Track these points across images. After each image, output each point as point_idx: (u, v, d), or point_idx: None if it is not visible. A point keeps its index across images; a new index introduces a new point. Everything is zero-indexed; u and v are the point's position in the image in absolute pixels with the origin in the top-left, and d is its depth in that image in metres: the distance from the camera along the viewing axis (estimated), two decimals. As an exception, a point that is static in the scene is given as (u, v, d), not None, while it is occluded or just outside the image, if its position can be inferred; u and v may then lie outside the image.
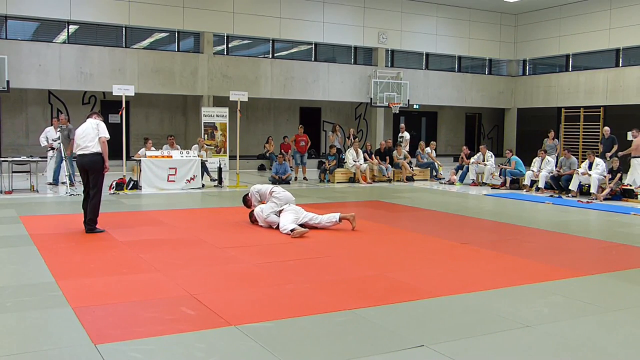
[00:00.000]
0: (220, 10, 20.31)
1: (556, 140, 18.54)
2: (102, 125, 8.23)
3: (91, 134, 8.10)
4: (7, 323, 4.39)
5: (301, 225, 8.37)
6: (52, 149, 14.14)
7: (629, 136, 14.86)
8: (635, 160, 13.92)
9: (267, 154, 20.97)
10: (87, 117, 8.50)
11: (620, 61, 22.48)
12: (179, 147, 15.23)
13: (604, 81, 22.55)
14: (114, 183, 13.20)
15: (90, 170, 8.07)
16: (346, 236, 8.19)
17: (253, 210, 8.97)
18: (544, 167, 14.81)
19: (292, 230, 8.03)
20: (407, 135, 19.82)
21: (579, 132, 22.87)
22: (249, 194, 9.29)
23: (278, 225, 8.43)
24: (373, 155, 17.28)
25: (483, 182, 16.20)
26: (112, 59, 18.94)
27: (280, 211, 8.60)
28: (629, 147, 14.53)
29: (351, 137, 18.95)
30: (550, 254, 7.31)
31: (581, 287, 5.70)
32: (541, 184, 14.44)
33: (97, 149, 8.06)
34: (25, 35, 18.67)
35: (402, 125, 20.90)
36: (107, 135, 8.23)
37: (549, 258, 6.95)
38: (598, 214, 11.31)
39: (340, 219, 8.67)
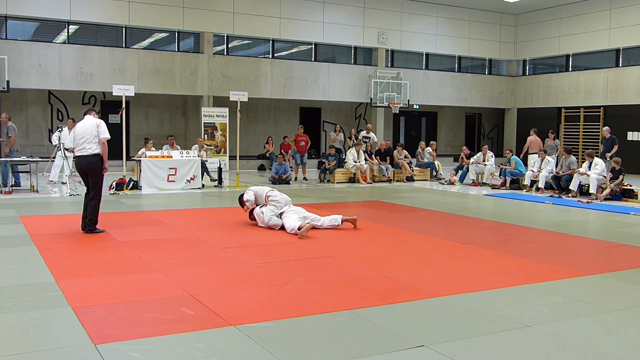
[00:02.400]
0: (220, 10, 20.32)
1: (557, 140, 18.55)
2: (103, 125, 8.08)
3: (91, 135, 7.96)
4: (7, 323, 4.39)
5: None
6: (67, 149, 14.06)
7: (629, 136, 14.95)
8: (531, 156, 16.26)
9: (267, 154, 20.97)
10: (85, 114, 8.38)
11: (620, 61, 22.47)
12: (179, 147, 15.23)
13: (604, 81, 22.54)
14: (114, 183, 13.19)
15: (90, 171, 8.01)
16: (346, 236, 8.19)
17: (253, 209, 8.96)
18: (544, 167, 14.82)
19: (299, 229, 8.03)
20: (373, 136, 19.12)
21: (579, 132, 22.88)
22: (245, 196, 9.23)
23: (281, 227, 8.43)
24: (373, 156, 17.28)
25: (483, 182, 16.21)
26: (112, 59, 18.94)
27: (281, 213, 8.58)
28: (629, 148, 14.59)
29: (353, 137, 18.92)
30: (550, 254, 7.31)
31: (581, 287, 5.70)
32: (541, 184, 14.44)
33: (96, 150, 7.95)
34: (25, 35, 18.67)
35: (369, 125, 20.30)
36: (108, 136, 8.09)
37: (549, 258, 6.95)
38: (598, 214, 11.31)
39: (343, 222, 8.67)
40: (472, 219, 10.20)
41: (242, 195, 9.31)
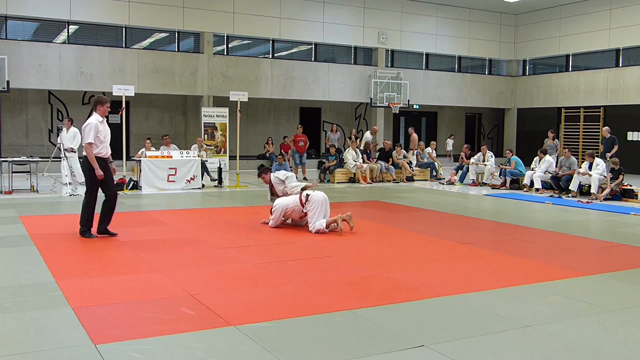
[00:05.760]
0: (220, 10, 20.31)
1: (556, 140, 18.54)
2: (86, 129, 7.68)
3: (81, 139, 8.31)
4: (7, 323, 4.39)
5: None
6: (73, 150, 13.98)
7: (629, 136, 14.99)
8: (412, 152, 18.71)
9: (267, 154, 20.95)
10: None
11: (620, 61, 22.47)
12: (175, 146, 15.18)
13: (604, 81, 22.54)
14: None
15: (83, 173, 8.11)
16: (346, 236, 8.18)
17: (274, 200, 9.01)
18: (539, 166, 14.79)
19: (327, 227, 8.28)
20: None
21: (579, 132, 22.88)
22: (269, 178, 9.24)
23: (282, 216, 8.55)
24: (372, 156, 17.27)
25: (483, 182, 16.20)
26: (112, 59, 18.94)
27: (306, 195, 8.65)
28: (629, 148, 14.61)
29: (353, 137, 18.89)
30: (550, 254, 7.31)
31: (581, 287, 5.70)
32: (536, 184, 14.43)
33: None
34: (25, 35, 18.67)
35: (375, 127, 20.04)
36: (88, 140, 7.59)
37: (549, 258, 6.95)
38: (598, 214, 11.31)
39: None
40: (472, 219, 10.20)
41: (264, 171, 9.37)
